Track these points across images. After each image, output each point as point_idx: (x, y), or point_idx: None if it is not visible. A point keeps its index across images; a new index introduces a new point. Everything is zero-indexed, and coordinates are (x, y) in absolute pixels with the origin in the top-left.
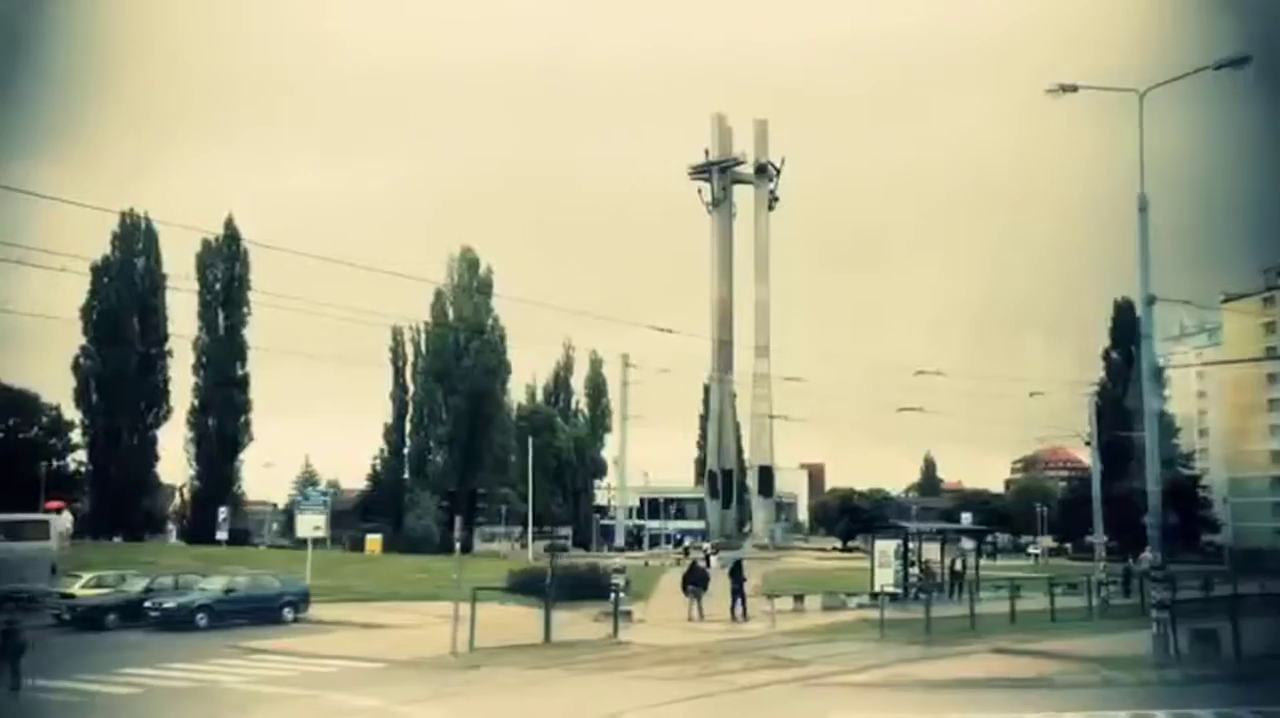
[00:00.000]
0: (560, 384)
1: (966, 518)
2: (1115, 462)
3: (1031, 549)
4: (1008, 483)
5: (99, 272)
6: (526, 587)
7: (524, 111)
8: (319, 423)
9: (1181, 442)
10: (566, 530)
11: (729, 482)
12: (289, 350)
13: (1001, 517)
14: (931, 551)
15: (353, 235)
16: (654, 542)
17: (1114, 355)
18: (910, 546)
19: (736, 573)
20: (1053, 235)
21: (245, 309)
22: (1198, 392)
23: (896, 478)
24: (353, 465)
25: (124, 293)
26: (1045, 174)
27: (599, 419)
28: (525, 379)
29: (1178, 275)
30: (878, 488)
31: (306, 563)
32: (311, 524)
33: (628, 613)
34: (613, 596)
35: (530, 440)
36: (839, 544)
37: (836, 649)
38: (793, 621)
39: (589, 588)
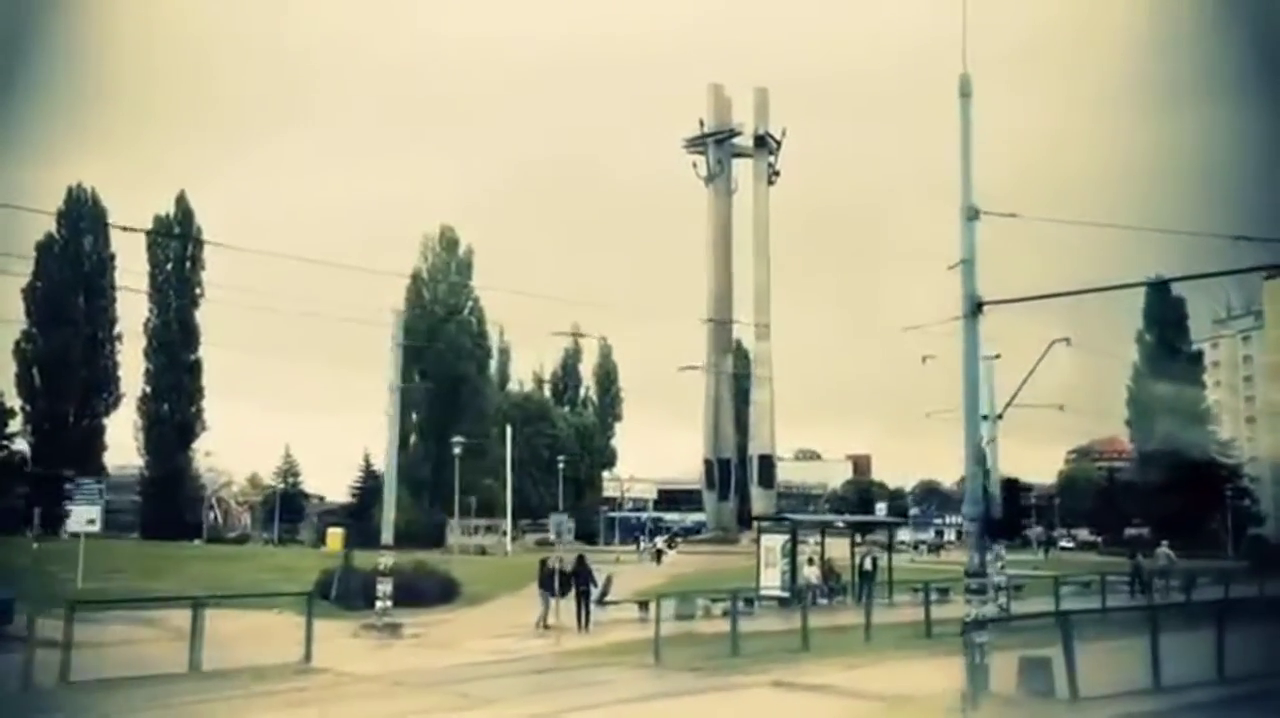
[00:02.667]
0: (569, 372)
1: (881, 508)
2: (1151, 449)
3: (1064, 543)
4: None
5: (43, 249)
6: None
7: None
8: (325, 421)
9: (1227, 429)
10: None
11: (726, 472)
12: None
13: (1027, 510)
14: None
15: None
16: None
17: (1148, 338)
18: (807, 541)
19: (580, 574)
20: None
21: (198, 290)
22: (1244, 377)
23: (951, 470)
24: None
25: (69, 273)
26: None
27: (608, 408)
28: (534, 367)
29: (1222, 251)
30: (930, 480)
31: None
32: (85, 517)
33: (395, 626)
34: (378, 604)
35: (508, 429)
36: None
37: (583, 679)
38: (614, 633)
39: (411, 591)
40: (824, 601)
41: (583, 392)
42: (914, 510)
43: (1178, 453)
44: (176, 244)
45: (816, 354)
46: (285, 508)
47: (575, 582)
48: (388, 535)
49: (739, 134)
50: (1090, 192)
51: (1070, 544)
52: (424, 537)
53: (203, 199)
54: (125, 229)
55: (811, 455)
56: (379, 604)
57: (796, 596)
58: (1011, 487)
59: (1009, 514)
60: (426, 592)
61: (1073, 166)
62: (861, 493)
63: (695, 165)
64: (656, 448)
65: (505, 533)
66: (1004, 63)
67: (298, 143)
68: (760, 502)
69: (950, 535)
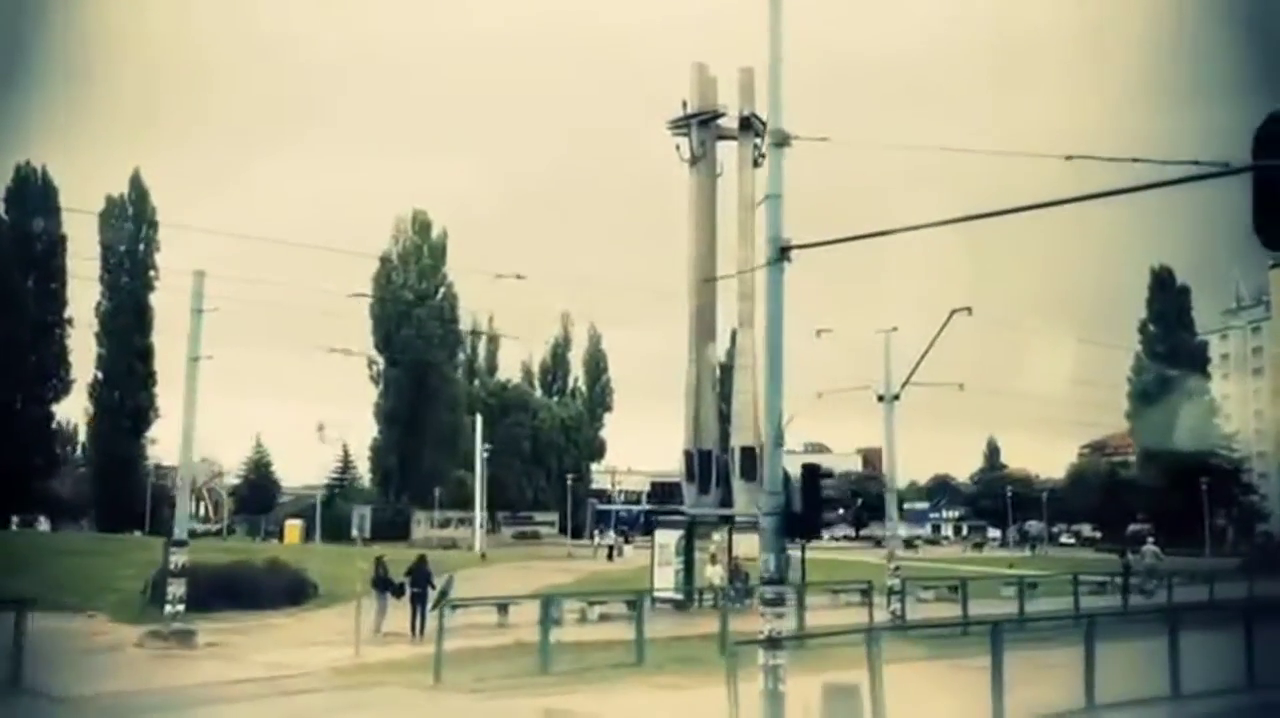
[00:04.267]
0: (558, 361)
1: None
2: (1156, 444)
3: (1065, 539)
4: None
5: None
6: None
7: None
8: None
9: (1235, 422)
10: (552, 517)
11: (707, 463)
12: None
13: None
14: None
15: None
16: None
17: (1151, 328)
18: (713, 538)
19: (416, 575)
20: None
21: (153, 273)
22: (1253, 369)
23: (964, 464)
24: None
25: (17, 255)
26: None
27: (598, 398)
28: (523, 357)
29: (1234, 239)
30: (943, 474)
31: None
32: None
33: (187, 634)
34: (168, 608)
35: (478, 418)
36: (851, 533)
37: (339, 704)
38: (454, 641)
39: (252, 591)
40: (727, 603)
41: (571, 381)
42: (907, 505)
43: (1179, 448)
44: (130, 225)
45: None
46: (255, 499)
47: (411, 583)
48: (180, 530)
49: (723, 115)
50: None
51: (1071, 541)
52: (389, 529)
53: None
54: (73, 211)
55: (820, 448)
56: (168, 609)
57: (691, 597)
58: (811, 474)
59: (808, 508)
60: (270, 592)
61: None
62: (853, 486)
63: (678, 147)
64: (651, 440)
65: (479, 525)
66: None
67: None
68: (743, 495)
69: (947, 531)
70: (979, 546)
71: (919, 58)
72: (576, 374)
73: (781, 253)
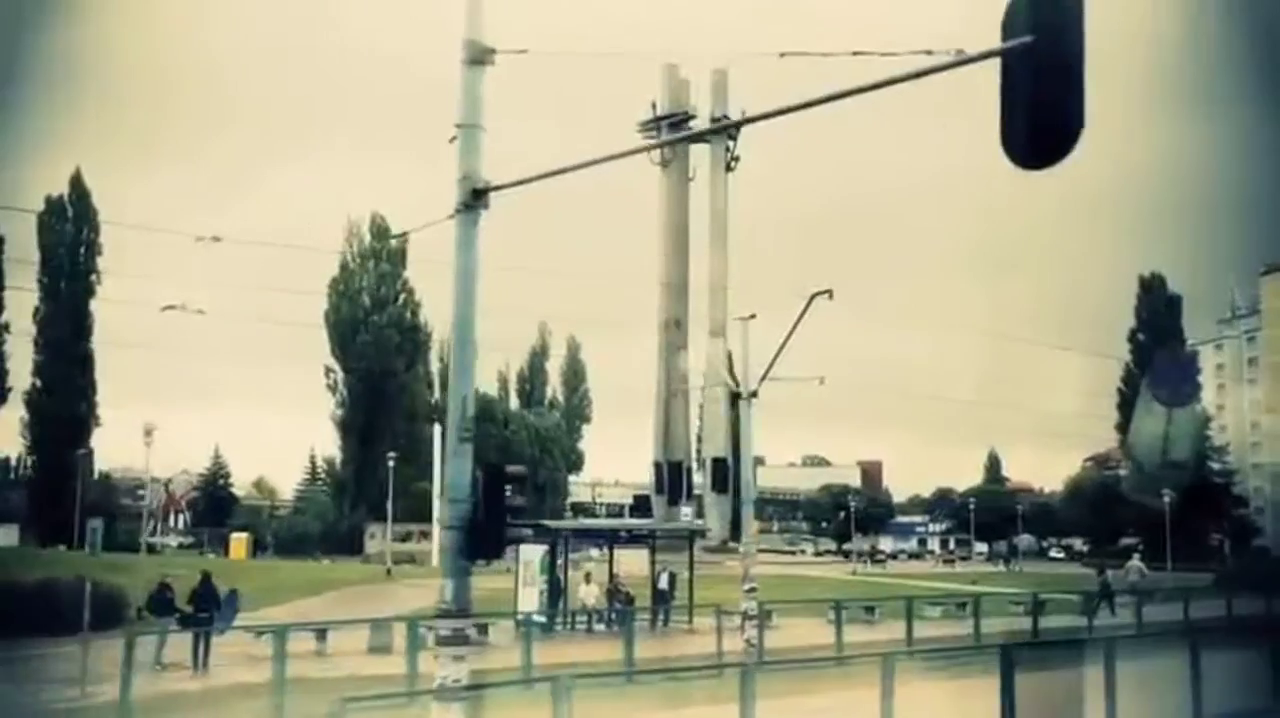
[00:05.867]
0: (535, 371)
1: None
2: (1145, 454)
3: (1054, 553)
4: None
5: None
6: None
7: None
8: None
9: (1231, 433)
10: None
11: (677, 475)
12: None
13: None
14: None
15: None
16: None
17: (1140, 337)
18: (591, 554)
19: (203, 598)
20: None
21: (94, 277)
22: (1249, 379)
23: (966, 478)
24: None
25: None
26: None
27: (576, 409)
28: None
29: (1225, 247)
30: (945, 487)
31: None
32: None
33: None
34: None
35: (436, 428)
36: (833, 547)
37: None
38: (236, 672)
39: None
40: (602, 627)
41: (549, 392)
42: (896, 519)
43: (1169, 460)
44: (70, 228)
45: None
46: (213, 510)
47: (194, 606)
48: None
49: (694, 117)
50: None
51: (1060, 555)
52: (343, 543)
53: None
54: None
55: (820, 461)
56: None
57: (554, 620)
58: (494, 477)
59: (490, 519)
60: (72, 616)
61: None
62: (835, 499)
63: (649, 152)
64: (634, 452)
65: (437, 539)
66: None
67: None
68: (714, 509)
69: (934, 545)
70: (950, 561)
71: None
72: (554, 384)
73: (475, 195)
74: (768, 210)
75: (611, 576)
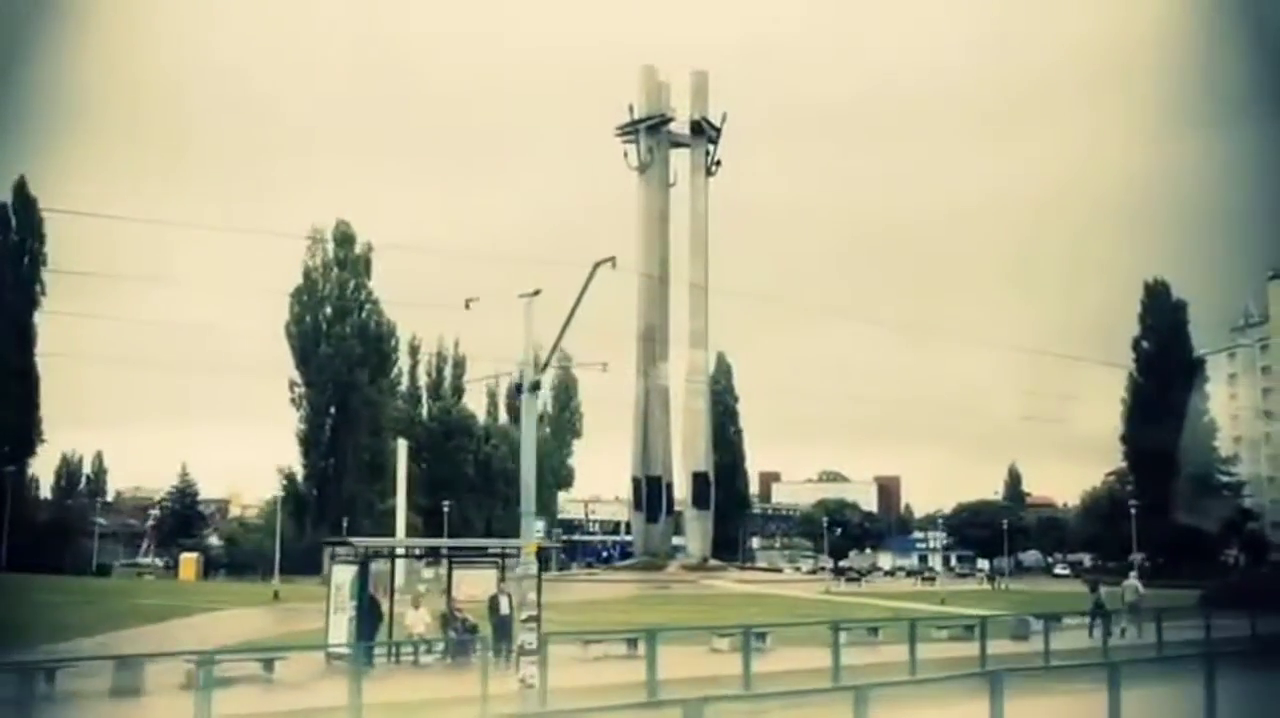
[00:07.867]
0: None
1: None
2: (1150, 466)
3: (1059, 570)
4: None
5: None
6: None
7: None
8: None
9: (1244, 444)
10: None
11: (656, 490)
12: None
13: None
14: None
15: None
16: None
17: (1145, 345)
18: (425, 575)
19: None
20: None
21: (37, 287)
22: (1263, 388)
23: (990, 493)
24: None
25: None
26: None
27: (566, 424)
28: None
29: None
30: (965, 503)
31: None
32: None
33: None
34: None
35: (401, 443)
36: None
37: None
38: None
39: None
40: (430, 658)
41: (540, 407)
42: (897, 536)
43: (1175, 471)
44: (14, 237)
45: None
46: (180, 528)
47: None
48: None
49: (672, 119)
50: None
51: (1065, 572)
52: (302, 563)
53: None
54: None
55: (837, 477)
56: None
57: (371, 651)
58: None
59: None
60: None
61: None
62: (830, 514)
63: (625, 154)
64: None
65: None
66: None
67: None
68: (695, 524)
69: (935, 562)
70: (930, 579)
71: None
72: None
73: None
74: (810, 232)
75: (449, 600)
